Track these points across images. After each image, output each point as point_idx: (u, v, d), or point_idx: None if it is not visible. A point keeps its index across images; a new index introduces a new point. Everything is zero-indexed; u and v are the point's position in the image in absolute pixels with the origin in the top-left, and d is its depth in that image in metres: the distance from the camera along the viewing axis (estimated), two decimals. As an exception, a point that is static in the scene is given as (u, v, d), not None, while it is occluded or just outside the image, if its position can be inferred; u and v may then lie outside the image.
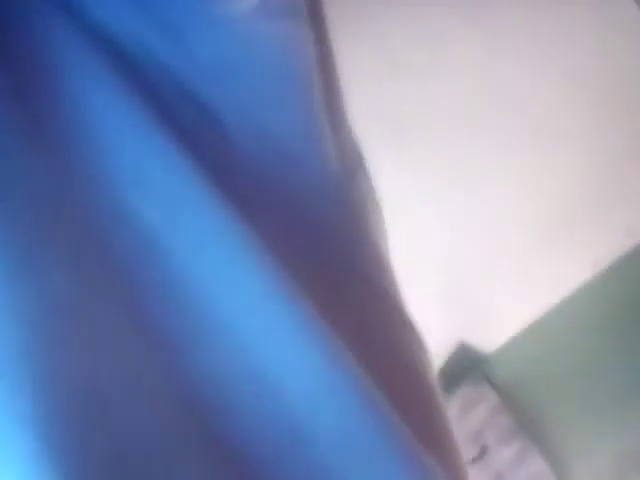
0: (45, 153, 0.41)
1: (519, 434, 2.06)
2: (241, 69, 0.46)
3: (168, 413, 0.38)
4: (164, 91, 0.44)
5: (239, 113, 0.46)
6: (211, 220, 0.41)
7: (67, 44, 0.43)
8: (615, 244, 1.94)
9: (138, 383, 0.38)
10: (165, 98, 0.44)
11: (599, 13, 1.46)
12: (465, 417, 2.14)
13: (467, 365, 2.11)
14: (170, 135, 0.42)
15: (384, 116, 1.39)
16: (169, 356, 0.40)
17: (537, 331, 2.09)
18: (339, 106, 0.52)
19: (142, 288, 0.40)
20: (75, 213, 0.40)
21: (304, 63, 0.49)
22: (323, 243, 0.48)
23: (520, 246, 1.83)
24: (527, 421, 2.06)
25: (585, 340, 2.03)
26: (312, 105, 0.49)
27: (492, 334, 2.09)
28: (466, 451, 2.11)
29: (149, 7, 0.44)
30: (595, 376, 2.00)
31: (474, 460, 2.06)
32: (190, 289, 0.40)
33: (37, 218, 0.39)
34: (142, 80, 0.43)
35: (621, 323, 2.00)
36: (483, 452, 2.09)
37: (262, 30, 0.47)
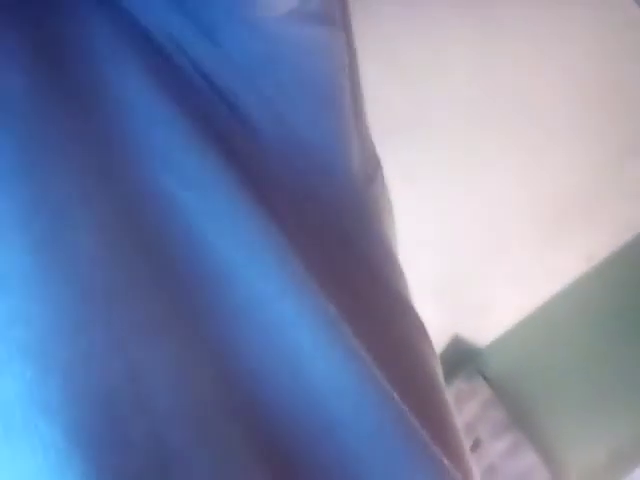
0: (80, 133, 0.41)
1: (512, 428, 2.08)
2: (273, 71, 0.47)
3: (210, 400, 0.38)
4: (195, 87, 0.45)
5: (269, 113, 0.46)
6: (244, 207, 0.41)
7: (104, 36, 0.44)
8: (609, 239, 1.95)
9: (176, 369, 0.37)
10: (196, 94, 0.44)
11: (599, 13, 1.45)
12: (458, 410, 2.16)
13: (461, 359, 2.12)
14: (200, 127, 0.43)
15: (384, 115, 1.38)
16: (207, 337, 0.39)
17: (531, 325, 2.10)
18: (362, 110, 0.53)
19: (176, 266, 0.40)
20: (110, 190, 0.40)
21: (336, 67, 0.50)
22: (342, 245, 0.48)
23: (514, 241, 1.83)
24: (520, 415, 2.08)
25: (579, 334, 2.04)
26: (342, 109, 0.50)
27: (486, 328, 2.10)
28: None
29: (185, 7, 0.45)
30: (589, 370, 2.01)
31: (467, 453, 2.08)
32: (223, 270, 0.40)
33: (72, 190, 0.39)
34: (169, 72, 0.44)
35: (615, 317, 2.01)
36: (476, 445, 2.10)
37: (297, 34, 0.47)
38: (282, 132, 0.46)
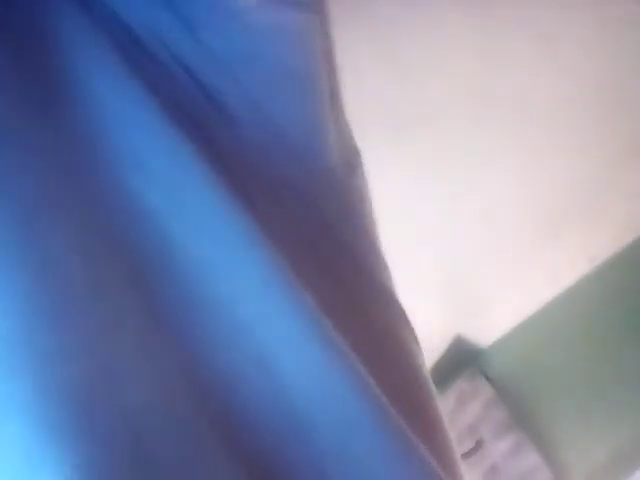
0: (50, 133, 0.41)
1: (514, 428, 2.07)
2: (252, 60, 0.47)
3: (184, 398, 0.38)
4: (172, 79, 0.44)
5: (247, 103, 0.46)
6: (212, 205, 0.41)
7: (75, 28, 0.44)
8: (609, 240, 1.95)
9: (146, 367, 0.38)
10: (173, 86, 0.44)
11: (599, 13, 1.45)
12: (461, 411, 2.16)
13: (463, 359, 2.12)
14: (175, 122, 0.42)
15: (384, 115, 1.39)
16: (179, 337, 0.39)
17: (533, 326, 2.10)
18: (339, 100, 0.52)
19: (144, 269, 0.40)
20: (79, 191, 0.40)
21: (313, 56, 0.49)
22: (324, 233, 0.48)
23: (517, 242, 1.83)
24: (522, 415, 2.08)
25: (580, 335, 2.04)
26: (319, 98, 0.49)
27: (488, 328, 2.10)
28: (461, 444, 2.12)
29: (167, 1, 0.45)
30: (590, 370, 2.01)
31: (469, 453, 2.08)
32: (190, 271, 0.40)
33: (41, 191, 0.39)
34: (150, 67, 0.44)
35: (616, 318, 2.01)
36: (478, 445, 2.10)
37: (274, 22, 0.47)
38: (259, 120, 0.46)
